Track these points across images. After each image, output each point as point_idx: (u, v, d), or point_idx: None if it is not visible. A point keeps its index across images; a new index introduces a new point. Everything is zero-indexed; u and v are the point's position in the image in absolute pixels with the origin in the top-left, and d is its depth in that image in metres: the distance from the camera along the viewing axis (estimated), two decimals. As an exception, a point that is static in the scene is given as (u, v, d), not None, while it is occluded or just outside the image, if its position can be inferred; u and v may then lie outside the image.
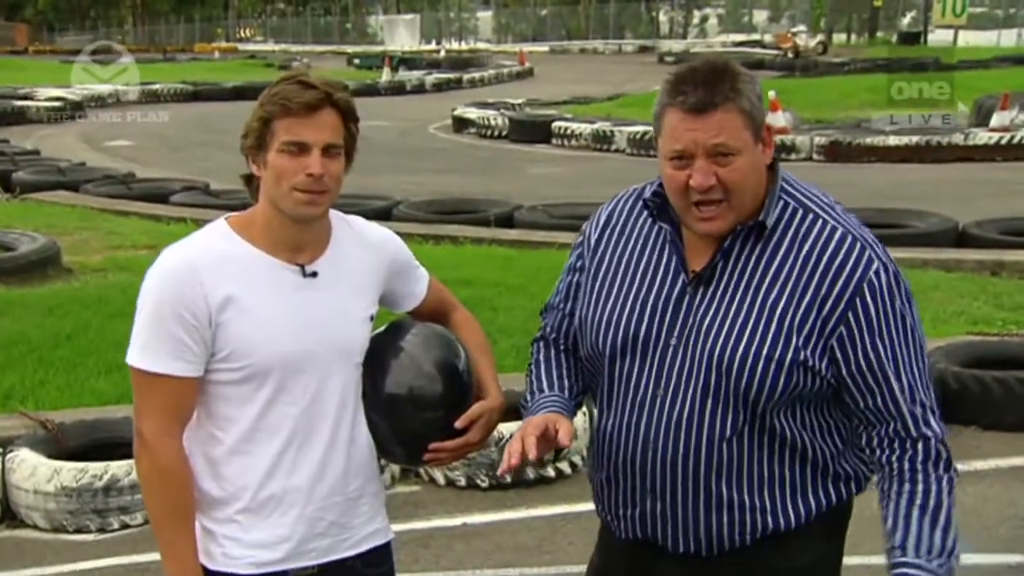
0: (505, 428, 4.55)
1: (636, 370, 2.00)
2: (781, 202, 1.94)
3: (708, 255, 1.95)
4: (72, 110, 23.89)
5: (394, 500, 4.63)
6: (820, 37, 47.28)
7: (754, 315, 1.90)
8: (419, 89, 32.76)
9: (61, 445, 4.68)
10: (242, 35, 75.69)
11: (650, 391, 1.98)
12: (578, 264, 2.14)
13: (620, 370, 2.03)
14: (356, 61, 45.65)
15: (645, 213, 2.05)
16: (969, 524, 3.79)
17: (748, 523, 1.98)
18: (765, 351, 1.88)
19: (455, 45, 60.99)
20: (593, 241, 2.12)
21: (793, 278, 1.90)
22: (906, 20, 53.59)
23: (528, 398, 2.15)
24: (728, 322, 1.92)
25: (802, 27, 50.19)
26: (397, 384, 2.09)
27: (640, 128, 17.37)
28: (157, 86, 29.24)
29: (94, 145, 19.09)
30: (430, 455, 2.12)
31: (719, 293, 1.94)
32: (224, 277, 1.98)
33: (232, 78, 33.60)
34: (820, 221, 1.93)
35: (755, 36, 51.72)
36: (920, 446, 1.90)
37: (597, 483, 2.13)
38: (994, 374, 5.41)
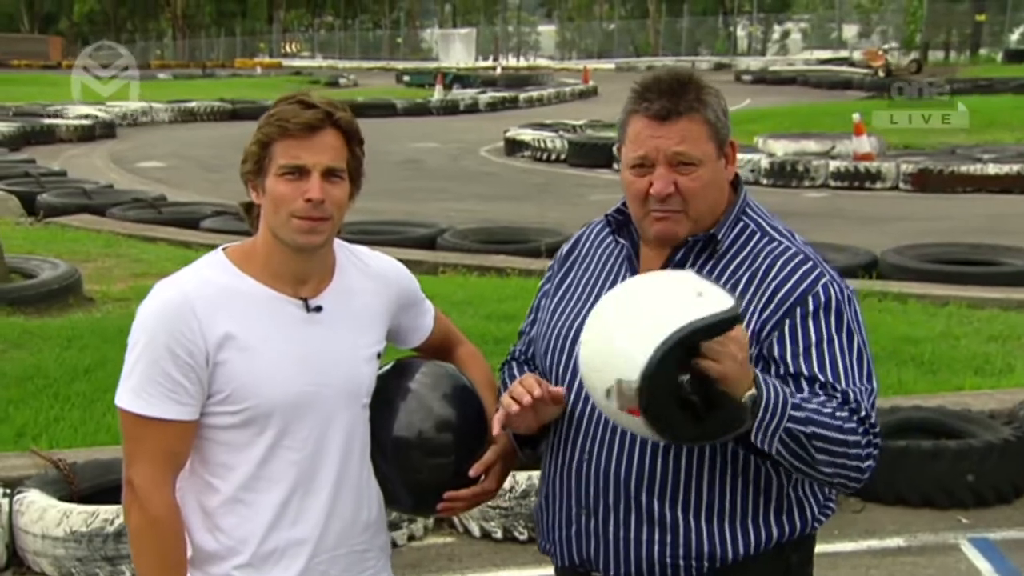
0: (522, 476, 4.57)
1: (574, 386, 2.07)
2: (741, 222, 2.07)
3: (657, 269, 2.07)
4: (103, 129, 24.54)
5: (427, 552, 4.67)
6: (914, 54, 46.82)
7: None
8: (472, 108, 33.09)
9: (73, 486, 4.75)
10: (287, 50, 76.96)
11: (589, 406, 2.04)
12: (545, 287, 2.26)
13: (567, 379, 2.10)
14: (406, 78, 46.21)
15: (607, 239, 2.16)
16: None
17: (682, 546, 2.00)
18: None
19: (513, 62, 61.40)
20: (559, 263, 2.25)
21: (740, 288, 2.00)
22: (1014, 36, 52.88)
23: (501, 391, 2.22)
24: None
25: (895, 43, 49.81)
26: (405, 428, 2.11)
27: (710, 153, 17.34)
28: (193, 104, 29.85)
29: (124, 166, 19.53)
30: (444, 504, 2.15)
31: None
32: (223, 313, 1.98)
33: (273, 96, 33.63)
34: (775, 243, 2.05)
35: (842, 53, 51.39)
36: (844, 396, 1.92)
37: (537, 510, 2.22)
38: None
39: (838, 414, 1.90)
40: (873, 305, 8.23)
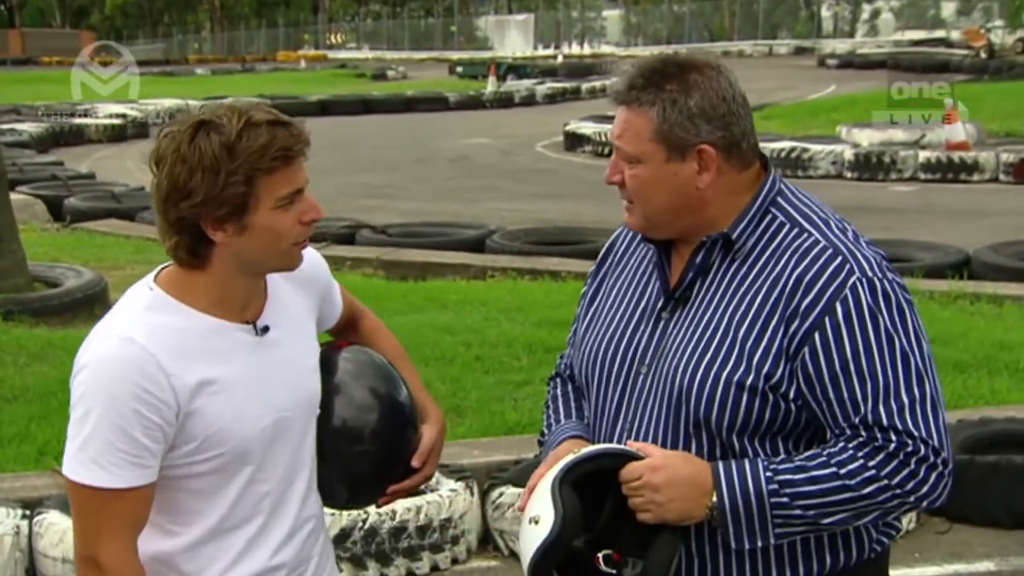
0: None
1: (607, 397, 2.12)
2: (769, 215, 2.02)
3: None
4: (135, 128, 24.98)
5: (471, 576, 4.71)
6: (1020, 33, 46.01)
7: (718, 336, 1.97)
8: (529, 101, 33.17)
9: (94, 507, 4.84)
10: (332, 41, 77.62)
11: (620, 420, 2.09)
12: (584, 293, 2.27)
13: (596, 398, 2.14)
14: (459, 69, 46.39)
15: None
16: None
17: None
18: (725, 374, 1.95)
19: (576, 49, 61.40)
20: (596, 268, 2.26)
21: (762, 294, 1.96)
22: None
23: (545, 432, 2.27)
24: (691, 344, 2.00)
25: (998, 22, 49.00)
26: (332, 419, 2.16)
27: (787, 144, 17.25)
28: (229, 100, 30.19)
29: (158, 168, 19.80)
30: (386, 498, 2.22)
31: (691, 314, 2.03)
32: (187, 359, 1.92)
33: (317, 91, 34.47)
34: (804, 235, 1.99)
35: (939, 33, 50.65)
36: (869, 432, 1.89)
37: None
38: None
39: (850, 466, 1.88)
40: (964, 308, 8.12)
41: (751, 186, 2.04)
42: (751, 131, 2.02)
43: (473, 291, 8.88)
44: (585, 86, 35.68)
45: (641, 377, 2.06)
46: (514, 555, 4.87)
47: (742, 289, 1.98)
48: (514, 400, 6.01)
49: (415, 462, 2.19)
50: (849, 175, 16.63)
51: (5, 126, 22.01)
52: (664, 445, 2.01)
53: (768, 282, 1.96)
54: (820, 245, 1.97)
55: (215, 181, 1.87)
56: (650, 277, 2.12)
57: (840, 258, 1.94)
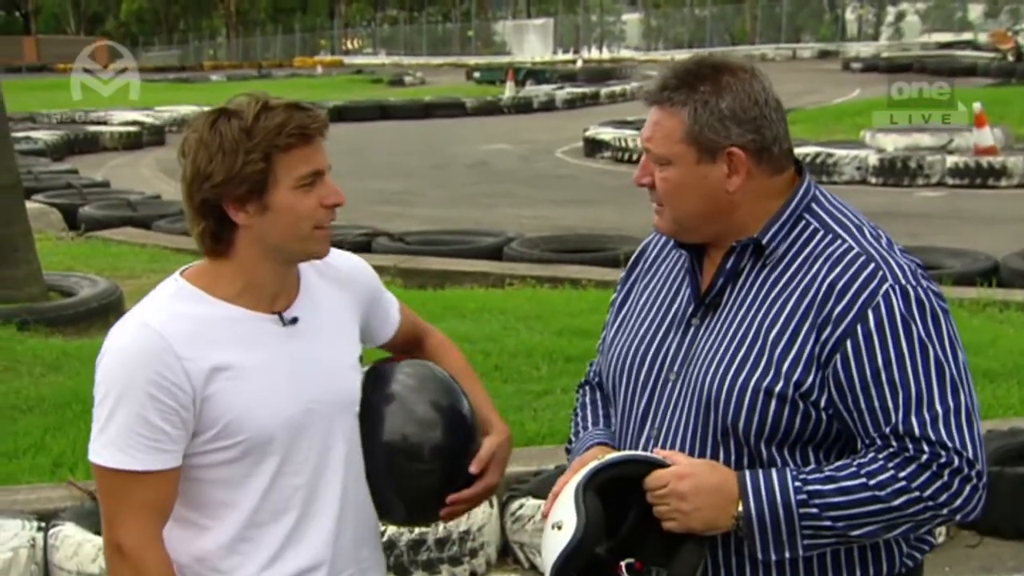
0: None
1: (635, 404, 2.13)
2: (803, 221, 2.02)
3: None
4: (150, 135, 25.10)
5: (489, 591, 4.71)
6: (1048, 36, 45.79)
7: (747, 342, 1.98)
8: (548, 106, 33.18)
9: (110, 519, 4.85)
10: (348, 47, 77.89)
11: (647, 426, 2.10)
12: (614, 298, 2.28)
13: (623, 404, 2.15)
14: (476, 74, 46.47)
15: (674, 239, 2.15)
16: None
17: None
18: (754, 381, 1.95)
19: (596, 54, 61.42)
20: (625, 274, 2.27)
21: (794, 300, 1.97)
22: None
23: (572, 439, 2.28)
24: (721, 351, 2.01)
25: (1026, 24, 48.77)
26: (391, 433, 2.16)
27: (812, 149, 17.23)
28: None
29: (173, 175, 19.70)
30: (448, 509, 2.21)
31: (721, 320, 2.04)
32: (203, 345, 1.99)
33: (333, 96, 34.56)
34: (837, 241, 2.00)
35: (966, 36, 50.47)
36: (900, 443, 1.89)
37: None
38: None
39: (880, 477, 1.88)
40: (993, 316, 8.07)
41: (783, 191, 2.04)
42: (784, 136, 2.03)
43: (492, 299, 8.87)
44: (604, 91, 35.73)
45: (670, 384, 2.07)
46: (534, 568, 4.86)
47: (772, 295, 1.99)
48: (534, 410, 5.99)
49: (474, 468, 2.20)
50: (874, 180, 16.57)
51: (20, 134, 22.12)
52: (691, 453, 2.01)
53: (800, 288, 1.97)
54: (853, 252, 1.96)
55: (234, 161, 1.97)
56: (681, 283, 2.13)
57: (873, 265, 1.94)
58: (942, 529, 4.85)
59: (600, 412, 2.28)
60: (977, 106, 16.52)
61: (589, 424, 2.27)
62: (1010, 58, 38.39)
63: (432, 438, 2.17)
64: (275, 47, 78.22)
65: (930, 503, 1.88)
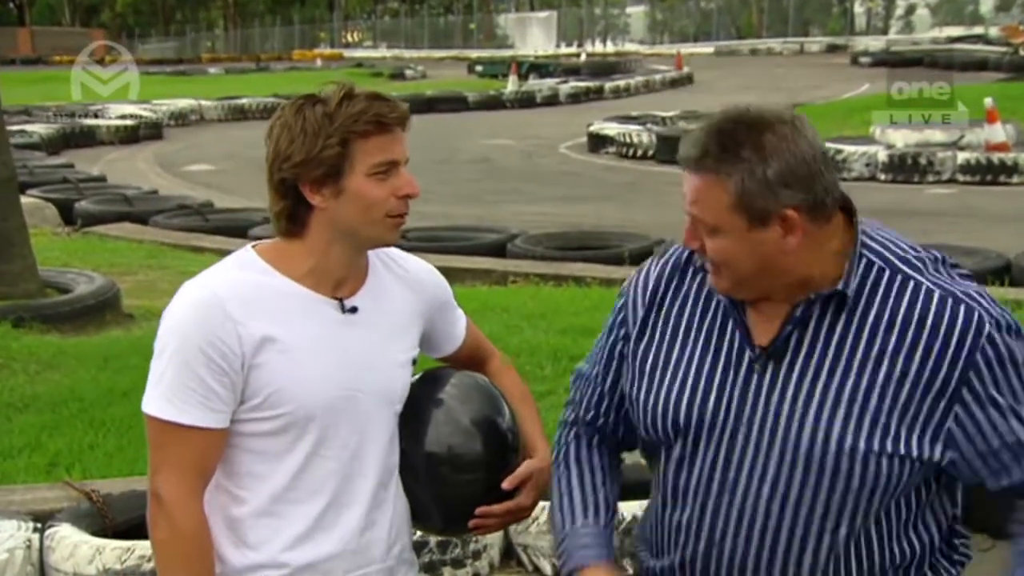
0: (625, 507, 4.56)
1: (700, 459, 2.04)
2: (864, 260, 1.96)
3: (775, 326, 1.98)
4: (147, 129, 25.12)
5: (492, 593, 4.70)
6: (1061, 30, 45.70)
7: (845, 398, 1.92)
8: (551, 101, 33.18)
9: (107, 520, 4.85)
10: (348, 39, 77.85)
11: (715, 485, 2.02)
12: (621, 333, 2.18)
13: (681, 457, 2.06)
14: (478, 68, 46.46)
15: (698, 276, 2.08)
16: None
17: None
18: (863, 442, 1.90)
19: (600, 47, 61.38)
20: (639, 307, 2.15)
21: (889, 353, 1.91)
22: None
23: (560, 523, 2.20)
24: (814, 407, 1.94)
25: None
26: (435, 442, 2.20)
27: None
28: (244, 100, 30.43)
29: (170, 170, 19.96)
30: (476, 521, 2.23)
31: (796, 371, 1.96)
32: (259, 313, 2.08)
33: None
34: (912, 282, 1.94)
35: (977, 29, 50.42)
36: None
37: (657, 570, 2.16)
38: None
39: None
40: (1005, 316, 8.06)
41: (837, 232, 1.97)
42: (834, 184, 1.93)
43: (494, 297, 8.87)
44: (609, 85, 35.68)
45: (741, 437, 1.99)
46: (538, 570, 4.86)
47: (860, 346, 1.94)
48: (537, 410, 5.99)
49: (506, 484, 2.23)
50: (883, 177, 16.57)
51: (15, 127, 22.13)
52: (778, 513, 1.97)
53: (892, 339, 1.92)
54: (937, 294, 1.92)
55: (314, 144, 2.06)
56: (721, 325, 2.05)
57: (963, 306, 1.91)
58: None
59: (587, 487, 2.21)
60: (988, 101, 16.51)
61: (577, 512, 2.20)
62: (1022, 52, 38.36)
63: (476, 450, 2.21)
64: (274, 39, 78.18)
65: None
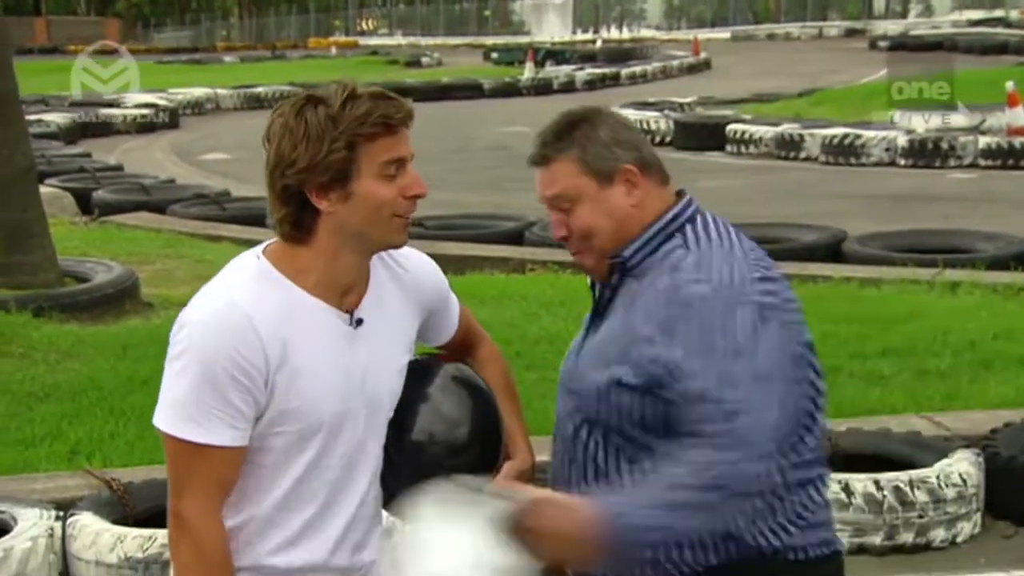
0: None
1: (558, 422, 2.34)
2: (675, 238, 2.19)
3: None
4: (164, 118, 25.19)
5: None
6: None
7: (596, 343, 2.21)
8: (568, 87, 33.12)
9: (128, 509, 4.87)
10: (363, 27, 77.84)
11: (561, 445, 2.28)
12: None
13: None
14: (494, 55, 46.41)
15: None
16: None
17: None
18: (591, 374, 2.18)
19: (615, 34, 61.23)
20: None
21: (629, 304, 2.16)
22: None
23: None
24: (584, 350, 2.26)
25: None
26: (418, 432, 2.21)
27: (838, 131, 17.13)
28: (260, 89, 30.41)
29: (187, 159, 19.98)
30: None
31: (600, 328, 2.24)
32: (280, 330, 2.04)
33: (349, 78, 34.60)
34: (680, 250, 2.17)
35: (998, 12, 50.13)
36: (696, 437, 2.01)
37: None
38: None
39: (674, 470, 2.01)
40: (1027, 300, 8.03)
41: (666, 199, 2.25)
42: (656, 157, 2.24)
43: (512, 285, 8.86)
44: (625, 71, 35.65)
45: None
46: None
47: (623, 302, 2.20)
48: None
49: (488, 493, 2.19)
50: (903, 162, 16.45)
51: (32, 117, 22.23)
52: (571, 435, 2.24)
53: (640, 293, 2.17)
54: (679, 253, 2.16)
55: (319, 148, 2.01)
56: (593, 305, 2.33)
57: (689, 262, 2.14)
58: (976, 521, 4.84)
59: None
60: (1010, 85, 16.43)
61: None
62: (1043, 35, 38.12)
63: (460, 435, 2.21)
64: (289, 28, 78.26)
65: (715, 499, 2.07)
